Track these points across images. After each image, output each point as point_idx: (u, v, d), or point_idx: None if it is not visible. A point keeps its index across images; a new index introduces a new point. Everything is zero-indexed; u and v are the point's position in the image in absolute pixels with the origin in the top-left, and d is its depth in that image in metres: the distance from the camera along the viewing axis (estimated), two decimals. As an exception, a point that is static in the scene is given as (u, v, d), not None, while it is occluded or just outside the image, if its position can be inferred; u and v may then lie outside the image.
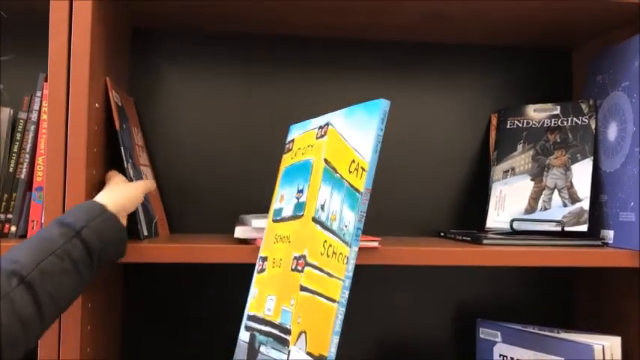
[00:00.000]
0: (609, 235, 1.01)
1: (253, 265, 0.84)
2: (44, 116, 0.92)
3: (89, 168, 0.85)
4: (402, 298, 1.21)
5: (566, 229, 1.03)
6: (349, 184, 0.66)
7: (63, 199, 0.83)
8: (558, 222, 1.04)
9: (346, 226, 0.64)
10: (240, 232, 0.89)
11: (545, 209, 1.07)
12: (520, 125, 1.16)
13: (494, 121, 1.21)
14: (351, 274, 0.63)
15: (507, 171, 1.15)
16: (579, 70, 1.23)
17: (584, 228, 1.02)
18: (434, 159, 1.23)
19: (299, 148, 0.80)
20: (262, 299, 0.76)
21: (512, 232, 1.07)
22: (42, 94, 0.93)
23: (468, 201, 1.23)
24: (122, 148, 0.91)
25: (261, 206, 1.17)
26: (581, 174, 1.06)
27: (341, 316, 0.62)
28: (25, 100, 0.94)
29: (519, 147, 1.14)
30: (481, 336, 1.12)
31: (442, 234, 1.16)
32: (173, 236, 1.04)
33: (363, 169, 0.64)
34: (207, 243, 0.88)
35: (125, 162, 0.92)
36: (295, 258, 0.71)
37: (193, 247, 0.85)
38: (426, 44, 1.23)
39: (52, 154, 0.83)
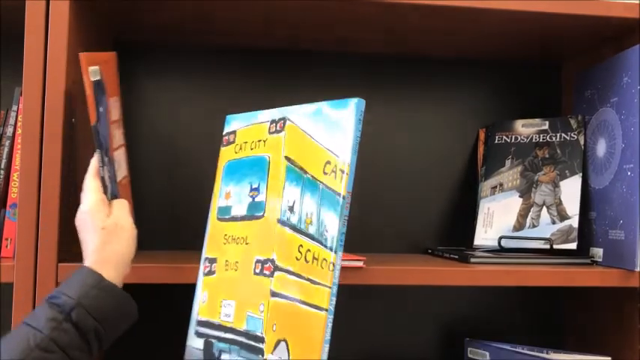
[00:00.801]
0: (598, 253, 1.00)
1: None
2: (20, 131, 0.89)
3: (64, 185, 0.82)
4: (389, 316, 1.19)
5: (555, 246, 1.02)
6: (326, 186, 0.64)
7: (37, 217, 0.80)
8: (547, 240, 1.02)
9: (327, 231, 0.62)
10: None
11: (534, 226, 1.06)
12: (508, 140, 1.14)
13: (482, 136, 1.19)
14: (337, 280, 0.62)
15: (495, 187, 1.13)
16: (568, 85, 1.22)
17: (573, 246, 1.01)
18: (421, 174, 1.21)
19: (245, 142, 0.77)
20: (215, 304, 0.74)
21: (501, 250, 1.05)
22: (18, 108, 0.91)
23: (456, 217, 1.21)
24: (98, 149, 0.78)
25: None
26: (570, 191, 1.04)
27: (330, 324, 0.61)
28: (0, 114, 0.92)
29: (507, 162, 1.13)
30: (469, 356, 1.10)
31: (430, 251, 1.14)
32: (155, 253, 1.01)
33: (343, 171, 0.63)
34: (187, 263, 0.86)
35: (100, 166, 0.80)
36: (259, 261, 0.68)
37: (173, 268, 0.83)
38: (413, 58, 1.21)
39: (26, 170, 0.80)
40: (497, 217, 1.10)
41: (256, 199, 0.71)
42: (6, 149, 0.90)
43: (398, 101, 1.21)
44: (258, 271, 0.68)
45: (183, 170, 1.14)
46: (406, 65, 1.21)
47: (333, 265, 0.61)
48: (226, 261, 0.73)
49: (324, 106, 0.67)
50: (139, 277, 0.82)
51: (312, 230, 0.64)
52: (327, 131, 0.66)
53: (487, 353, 1.06)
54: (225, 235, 0.75)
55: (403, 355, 1.19)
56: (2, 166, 0.90)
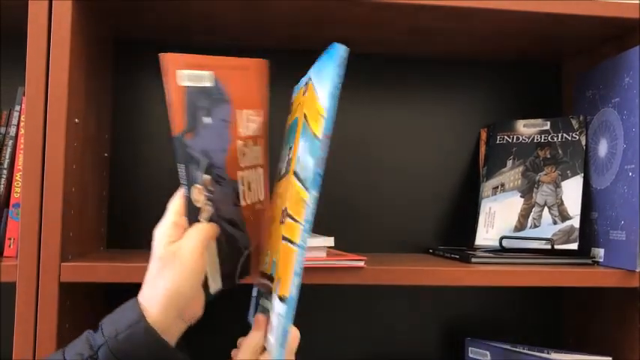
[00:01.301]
0: (600, 253, 1.00)
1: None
2: (23, 131, 0.90)
3: (67, 185, 0.83)
4: (390, 316, 1.19)
5: (556, 247, 1.02)
6: (312, 131, 0.66)
7: (40, 217, 0.81)
8: (548, 240, 1.02)
9: (306, 172, 0.65)
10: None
11: (535, 226, 1.06)
12: (510, 140, 1.15)
13: (483, 136, 1.20)
14: (310, 218, 0.62)
15: (497, 187, 1.13)
16: (569, 86, 1.22)
17: (574, 246, 1.01)
18: (423, 174, 1.21)
19: (294, 108, 0.81)
20: (264, 254, 0.77)
21: (502, 250, 1.05)
22: (21, 108, 0.91)
23: (457, 217, 1.21)
24: (182, 164, 0.68)
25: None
26: (572, 191, 1.04)
27: (300, 258, 0.62)
28: (3, 114, 0.92)
29: (509, 163, 1.13)
30: (470, 355, 1.10)
31: (431, 251, 1.14)
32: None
33: (322, 115, 0.64)
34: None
35: (185, 185, 0.68)
36: (282, 211, 0.71)
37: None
38: (414, 58, 1.22)
39: (29, 170, 0.81)
40: (498, 217, 1.10)
41: (289, 157, 0.74)
42: (9, 149, 0.90)
43: (399, 101, 1.21)
44: (281, 220, 0.71)
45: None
46: (407, 65, 1.21)
47: (306, 202, 0.63)
48: (273, 216, 0.76)
49: (322, 57, 0.69)
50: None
51: (302, 175, 0.66)
52: (321, 80, 0.68)
53: (488, 353, 1.07)
54: (276, 193, 0.78)
55: (404, 355, 1.19)
56: (5, 166, 0.90)
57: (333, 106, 0.62)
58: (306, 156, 0.66)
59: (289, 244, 0.65)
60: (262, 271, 0.77)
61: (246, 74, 0.76)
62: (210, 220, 0.69)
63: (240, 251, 0.76)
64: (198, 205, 0.68)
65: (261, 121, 0.79)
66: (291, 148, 0.75)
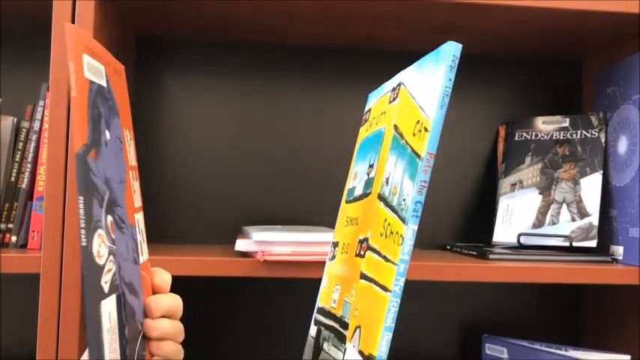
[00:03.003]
0: (619, 251, 0.99)
1: (253, 279, 0.83)
2: (46, 125, 0.91)
3: (90, 178, 0.84)
4: (407, 312, 1.19)
5: (574, 244, 1.01)
6: (412, 149, 0.54)
7: (63, 210, 0.82)
8: (566, 237, 1.02)
9: (404, 200, 0.54)
10: (241, 245, 0.88)
11: (553, 224, 1.05)
12: (528, 137, 1.14)
13: (502, 132, 1.19)
14: (407, 257, 0.52)
15: (515, 184, 1.13)
16: (589, 82, 1.21)
17: (593, 243, 1.00)
18: (441, 171, 1.21)
19: (374, 118, 0.70)
20: (330, 290, 0.67)
21: (520, 247, 1.05)
22: (44, 103, 0.93)
23: (475, 214, 1.21)
24: (80, 196, 0.43)
25: (264, 217, 1.16)
26: (591, 188, 1.04)
27: (394, 309, 0.52)
28: (27, 108, 0.94)
29: (527, 160, 1.13)
30: (487, 352, 1.10)
31: (448, 247, 1.14)
32: (174, 247, 1.03)
33: (426, 129, 0.53)
34: (206, 256, 0.87)
35: (86, 233, 0.43)
36: (360, 241, 0.61)
37: (192, 260, 0.84)
38: (434, 55, 1.21)
39: (52, 163, 0.82)
40: (516, 214, 1.10)
41: (370, 176, 0.65)
42: (33, 143, 0.92)
43: (418, 98, 1.21)
44: (357, 252, 0.62)
45: (206, 165, 1.15)
46: (426, 62, 1.21)
47: (402, 238, 0.52)
48: (344, 244, 0.67)
49: (427, 57, 0.58)
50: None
51: (394, 201, 0.56)
52: (422, 86, 0.57)
53: (505, 350, 1.06)
54: (347, 217, 0.69)
55: (421, 351, 1.19)
56: (29, 160, 0.92)
57: (442, 117, 0.53)
58: (401, 178, 0.55)
59: (377, 287, 0.54)
60: (324, 307, 0.68)
61: (121, 81, 0.58)
62: (112, 286, 0.47)
63: (137, 329, 0.54)
64: (101, 262, 0.46)
65: (134, 149, 0.61)
66: (372, 165, 0.65)
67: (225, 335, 1.15)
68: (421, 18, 0.99)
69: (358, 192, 0.67)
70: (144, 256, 0.59)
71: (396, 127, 0.61)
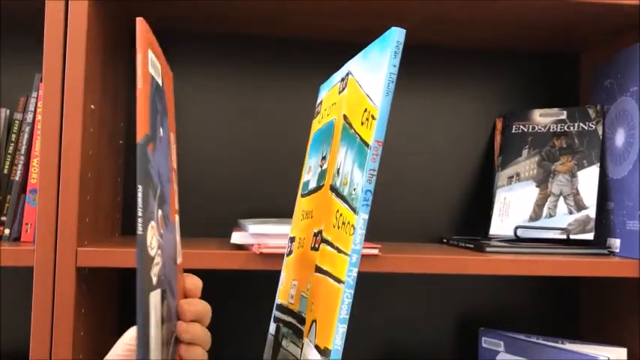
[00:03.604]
0: (616, 243, 0.99)
1: (250, 272, 0.83)
2: (40, 117, 0.90)
3: (83, 171, 0.83)
4: (403, 305, 1.19)
5: (571, 237, 1.01)
6: (360, 138, 0.54)
7: (56, 202, 0.81)
8: (564, 230, 1.02)
9: (355, 190, 0.53)
10: (237, 237, 0.87)
11: (551, 216, 1.05)
12: (525, 130, 1.14)
13: (499, 125, 1.19)
14: (359, 247, 0.51)
15: (512, 177, 1.12)
16: (586, 75, 1.21)
17: (590, 236, 1.00)
18: (437, 163, 1.20)
19: (325, 109, 0.69)
20: (288, 285, 0.67)
21: (517, 240, 1.05)
22: (38, 94, 0.92)
23: (472, 207, 1.21)
24: (140, 185, 0.44)
25: (261, 210, 1.15)
26: (588, 181, 1.03)
27: (348, 300, 0.51)
28: (21, 100, 0.93)
29: (524, 152, 1.12)
30: (484, 345, 1.10)
31: (445, 240, 1.14)
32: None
33: (373, 117, 0.52)
34: (202, 248, 0.86)
35: (143, 222, 0.44)
36: (314, 235, 0.61)
37: (188, 253, 0.83)
38: (430, 47, 1.21)
39: (45, 156, 0.81)
40: (513, 207, 1.10)
41: (322, 168, 0.64)
42: (26, 135, 0.91)
43: (414, 90, 1.20)
44: (313, 245, 0.61)
45: (203, 158, 1.15)
46: (424, 54, 1.21)
47: (353, 228, 0.52)
48: (300, 239, 0.66)
49: (372, 45, 0.58)
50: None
51: (345, 192, 0.55)
52: (369, 74, 0.56)
53: (502, 343, 1.06)
54: (302, 211, 0.68)
55: (417, 344, 1.19)
56: (22, 152, 0.91)
57: (388, 104, 0.52)
58: (351, 167, 0.55)
59: (331, 280, 0.54)
60: (283, 304, 0.67)
61: (170, 85, 0.59)
62: (159, 280, 0.48)
63: (172, 331, 0.53)
64: (152, 253, 0.46)
65: (175, 154, 0.61)
66: (324, 157, 0.64)
67: (221, 327, 1.14)
68: (415, 10, 0.98)
69: (312, 185, 0.66)
70: (180, 258, 0.59)
71: (345, 117, 0.60)
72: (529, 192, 1.09)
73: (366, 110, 0.54)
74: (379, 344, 1.18)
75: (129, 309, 1.12)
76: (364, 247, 0.86)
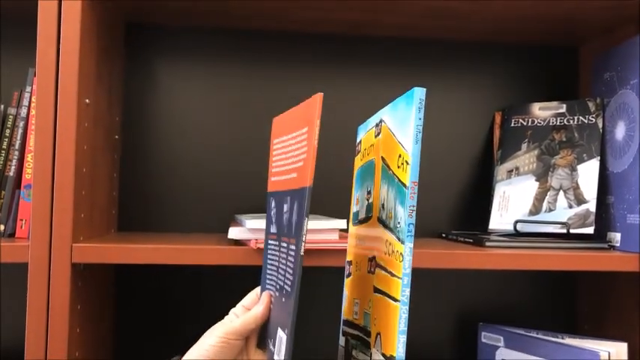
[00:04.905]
0: (616, 237, 0.98)
1: (247, 267, 0.82)
2: (34, 112, 0.89)
3: (78, 166, 0.82)
4: (403, 300, 1.18)
5: (571, 231, 1.00)
6: (398, 179, 0.65)
7: (51, 198, 0.80)
8: (563, 224, 1.01)
9: (399, 223, 0.64)
10: (234, 233, 0.86)
11: (550, 210, 1.04)
12: (525, 124, 1.13)
13: (498, 119, 1.18)
14: (408, 271, 0.62)
15: (511, 171, 1.12)
16: (586, 68, 1.20)
17: (590, 230, 0.99)
18: (436, 158, 1.20)
19: (365, 149, 0.81)
20: (351, 303, 0.78)
21: (516, 234, 1.04)
22: (32, 89, 0.90)
23: (471, 201, 1.20)
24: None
25: (257, 205, 1.14)
26: (588, 174, 1.03)
27: (405, 315, 0.62)
28: (14, 95, 0.92)
29: (524, 146, 1.11)
30: (483, 340, 1.09)
31: (444, 235, 1.13)
32: (166, 235, 1.01)
33: (407, 162, 0.63)
34: (200, 244, 0.86)
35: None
36: (369, 260, 0.72)
37: (185, 249, 0.83)
38: (428, 41, 1.20)
39: (40, 151, 0.80)
40: (513, 201, 1.09)
41: (369, 202, 0.75)
42: (20, 130, 0.90)
43: (413, 84, 1.19)
44: (369, 269, 0.72)
45: (199, 152, 1.14)
46: (422, 48, 1.20)
47: (402, 255, 0.62)
48: (356, 262, 0.78)
49: (399, 100, 0.69)
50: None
51: (391, 224, 0.66)
52: (399, 125, 0.67)
53: (501, 338, 1.06)
54: (356, 238, 0.79)
55: (416, 339, 1.18)
56: (17, 147, 0.90)
57: (418, 151, 0.63)
58: (394, 204, 0.66)
59: (388, 299, 0.65)
60: (348, 319, 0.78)
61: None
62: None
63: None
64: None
65: None
66: (369, 192, 0.75)
67: (220, 319, 1.13)
68: (413, 3, 0.97)
69: (362, 215, 0.78)
70: None
71: (383, 158, 0.71)
72: (529, 186, 1.08)
73: (400, 156, 0.65)
74: (378, 340, 1.17)
75: (125, 305, 1.11)
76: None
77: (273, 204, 0.75)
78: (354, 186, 0.84)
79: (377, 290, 0.68)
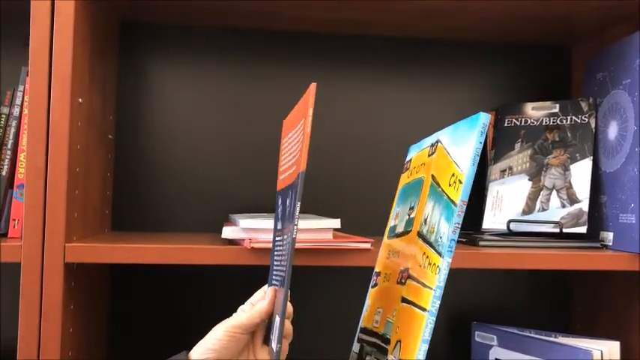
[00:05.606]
0: (609, 237, 0.99)
1: (241, 267, 0.82)
2: (27, 111, 0.89)
3: (71, 165, 0.82)
4: (396, 299, 1.18)
5: (564, 230, 1.01)
6: (448, 197, 0.67)
7: (44, 197, 0.80)
8: (556, 223, 1.01)
9: (441, 238, 0.65)
10: (228, 232, 0.86)
11: (543, 210, 1.05)
12: (518, 123, 1.13)
13: (491, 119, 1.18)
14: (442, 284, 0.64)
15: (505, 170, 1.12)
16: (579, 68, 1.20)
17: (583, 230, 1.00)
18: (430, 158, 1.20)
19: (414, 167, 0.83)
20: (372, 312, 0.80)
21: (509, 234, 1.04)
22: (24, 88, 0.90)
23: (465, 201, 1.20)
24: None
25: (251, 205, 1.14)
26: (581, 174, 1.03)
27: (431, 325, 0.63)
28: (7, 94, 0.91)
29: (517, 146, 1.12)
30: (477, 339, 1.09)
31: (437, 234, 1.13)
32: (160, 235, 1.01)
33: (460, 181, 0.65)
34: (194, 244, 0.85)
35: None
36: (401, 271, 0.74)
37: (179, 248, 0.82)
38: (422, 41, 1.20)
39: (33, 150, 0.80)
40: (506, 201, 1.09)
41: (410, 216, 0.77)
42: (12, 130, 0.90)
43: (406, 84, 1.20)
44: (399, 280, 0.73)
45: (193, 152, 1.13)
46: (414, 48, 1.20)
47: (439, 268, 0.64)
48: (385, 274, 0.79)
49: (461, 123, 0.71)
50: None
51: (432, 238, 0.68)
52: (456, 145, 0.69)
53: (495, 337, 1.06)
54: (389, 251, 0.81)
55: (410, 338, 1.18)
56: (9, 147, 0.90)
57: (473, 172, 0.65)
58: (438, 220, 0.67)
59: (415, 308, 0.66)
60: (367, 327, 0.80)
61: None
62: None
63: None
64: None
65: None
66: (412, 207, 0.77)
67: (213, 324, 1.13)
68: (406, 2, 0.98)
69: (399, 229, 0.80)
70: None
71: (433, 177, 0.73)
72: (522, 185, 1.09)
73: (453, 175, 0.67)
74: (372, 339, 1.17)
75: (120, 305, 1.11)
76: (357, 242, 0.86)
77: (279, 202, 0.76)
78: (395, 202, 0.86)
79: (405, 300, 0.69)
